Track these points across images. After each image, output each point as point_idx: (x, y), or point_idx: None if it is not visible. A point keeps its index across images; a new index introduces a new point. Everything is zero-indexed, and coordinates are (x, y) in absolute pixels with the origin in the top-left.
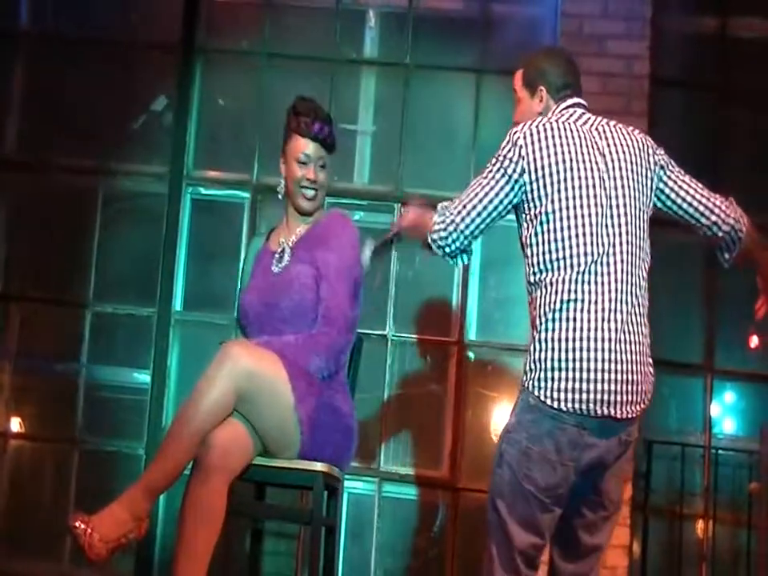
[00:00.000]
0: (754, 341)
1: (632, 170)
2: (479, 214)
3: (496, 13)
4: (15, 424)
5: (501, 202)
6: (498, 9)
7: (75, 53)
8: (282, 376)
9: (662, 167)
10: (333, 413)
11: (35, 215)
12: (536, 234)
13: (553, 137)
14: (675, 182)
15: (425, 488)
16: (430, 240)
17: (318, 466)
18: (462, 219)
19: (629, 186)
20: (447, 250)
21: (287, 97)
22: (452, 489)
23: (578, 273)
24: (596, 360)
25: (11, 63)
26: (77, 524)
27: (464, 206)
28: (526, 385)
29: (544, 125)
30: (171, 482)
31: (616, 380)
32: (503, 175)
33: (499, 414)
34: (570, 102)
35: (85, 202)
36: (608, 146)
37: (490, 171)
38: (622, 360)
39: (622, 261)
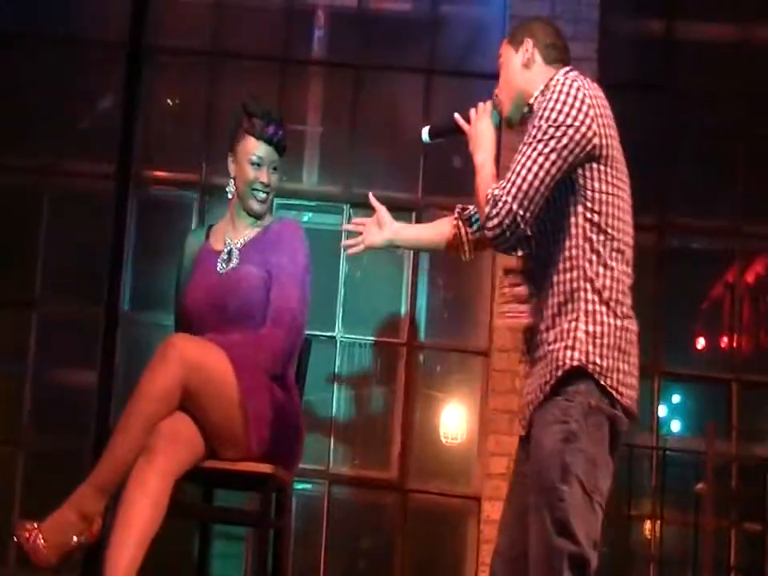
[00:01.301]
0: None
1: None
2: (541, 196)
3: (445, 14)
4: None
5: (564, 174)
6: (446, 10)
7: (20, 49)
8: (228, 370)
9: None
10: (280, 412)
11: None
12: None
13: (605, 105)
14: None
15: (374, 489)
16: (485, 235)
17: (267, 468)
18: (522, 208)
19: None
20: (506, 245)
21: (236, 97)
22: (401, 490)
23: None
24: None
25: None
26: (22, 532)
27: (522, 192)
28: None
29: (593, 85)
30: (121, 477)
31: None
32: (575, 145)
33: (447, 416)
34: (567, 67)
35: (30, 202)
36: None
37: (554, 140)
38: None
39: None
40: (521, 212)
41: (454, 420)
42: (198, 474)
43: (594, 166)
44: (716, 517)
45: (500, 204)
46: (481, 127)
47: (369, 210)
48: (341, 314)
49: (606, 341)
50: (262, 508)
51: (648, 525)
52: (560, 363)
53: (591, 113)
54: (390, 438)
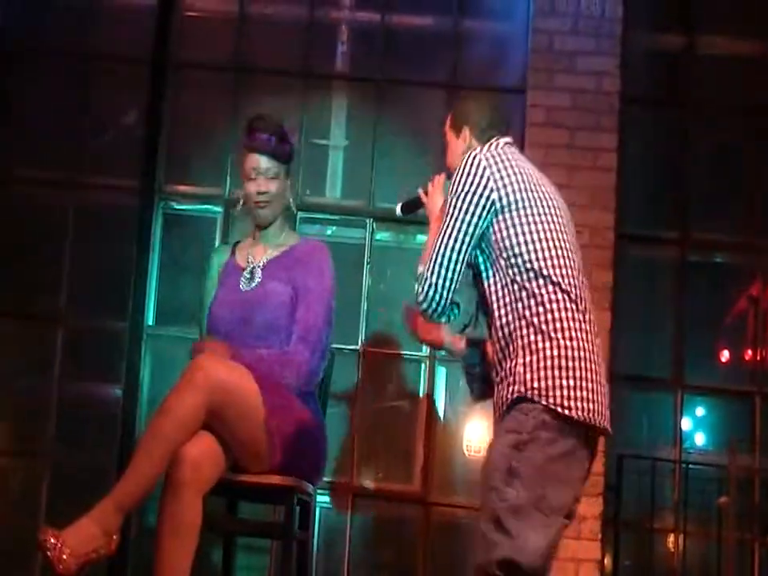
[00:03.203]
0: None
1: (567, 219)
2: (461, 257)
3: (467, 29)
4: None
5: (474, 238)
6: (469, 25)
7: (47, 66)
8: (253, 390)
9: None
10: (304, 427)
11: (5, 229)
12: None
13: (509, 159)
14: None
15: (397, 502)
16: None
17: (290, 481)
18: (441, 275)
19: (572, 234)
20: (436, 317)
21: (258, 111)
22: (424, 503)
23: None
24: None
25: None
26: (46, 539)
27: (437, 264)
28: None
29: (498, 151)
30: (143, 497)
31: (605, 393)
32: (476, 206)
33: (470, 429)
34: (505, 139)
35: (56, 216)
36: (552, 188)
37: (460, 211)
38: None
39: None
40: (440, 283)
41: (476, 433)
42: (223, 487)
43: (502, 216)
44: (738, 530)
45: (423, 282)
46: (434, 200)
47: (392, 223)
48: (363, 327)
49: (542, 364)
50: (285, 521)
51: (671, 538)
52: (504, 400)
53: (486, 173)
54: (413, 451)
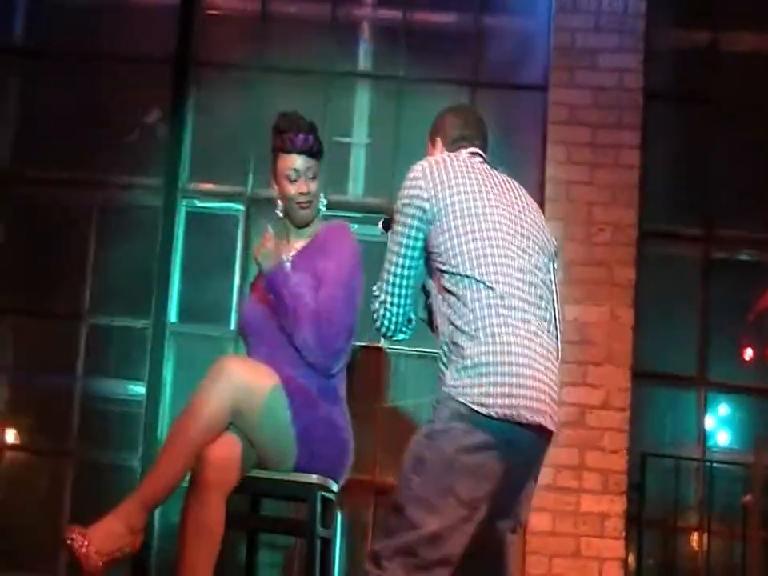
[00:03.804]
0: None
1: (534, 223)
2: (406, 272)
3: (489, 26)
4: (10, 436)
5: (415, 250)
6: (490, 22)
7: (69, 67)
8: (279, 391)
9: (552, 257)
10: (329, 426)
11: (30, 228)
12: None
13: (453, 165)
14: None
15: None
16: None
17: (314, 478)
18: (390, 291)
19: (536, 238)
20: (391, 334)
21: (281, 109)
22: None
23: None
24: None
25: (5, 78)
26: (72, 536)
27: (385, 281)
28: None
29: (443, 157)
30: (166, 496)
31: (542, 390)
32: (411, 218)
33: None
34: (471, 149)
35: (80, 215)
36: (515, 196)
37: (398, 225)
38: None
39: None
40: (390, 300)
41: None
42: (247, 485)
43: (434, 225)
44: (763, 529)
45: (374, 301)
46: None
47: None
48: None
49: (460, 364)
50: (308, 518)
51: (695, 537)
52: (433, 401)
53: (420, 183)
54: None
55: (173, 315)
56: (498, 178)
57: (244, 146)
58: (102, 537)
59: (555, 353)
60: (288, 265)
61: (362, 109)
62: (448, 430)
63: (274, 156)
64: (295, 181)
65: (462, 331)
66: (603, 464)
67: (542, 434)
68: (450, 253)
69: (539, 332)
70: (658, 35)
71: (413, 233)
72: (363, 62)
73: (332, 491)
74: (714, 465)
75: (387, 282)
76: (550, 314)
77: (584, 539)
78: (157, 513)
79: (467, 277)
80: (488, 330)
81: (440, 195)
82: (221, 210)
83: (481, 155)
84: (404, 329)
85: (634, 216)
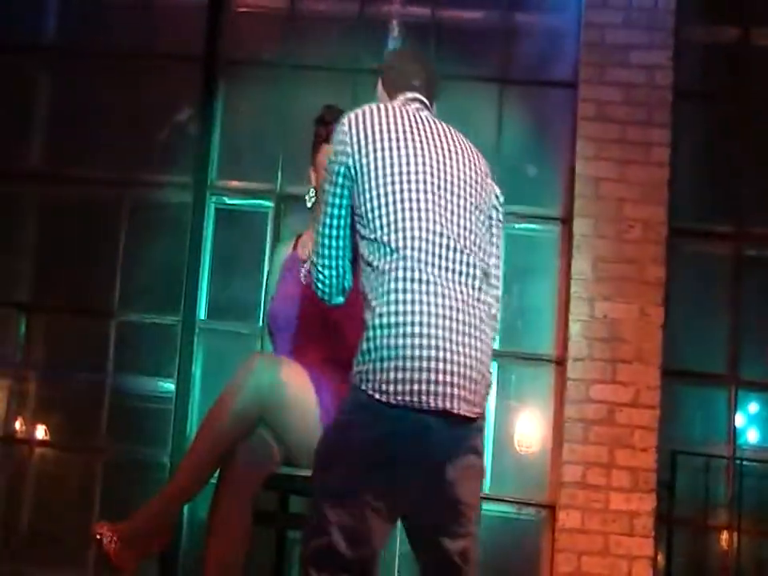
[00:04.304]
0: None
1: (471, 174)
2: (336, 232)
3: (518, 23)
4: (41, 432)
5: (343, 209)
6: (520, 19)
7: (100, 65)
8: (308, 387)
9: (496, 209)
10: None
11: (61, 226)
12: (369, 210)
13: (380, 117)
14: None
15: None
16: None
17: None
18: (322, 253)
19: (468, 182)
20: (331, 299)
21: (310, 107)
22: None
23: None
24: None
25: (37, 76)
26: (101, 532)
27: (316, 242)
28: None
29: (371, 107)
30: (195, 493)
31: (452, 372)
32: (336, 175)
33: (521, 425)
34: (409, 95)
35: (110, 213)
36: (450, 149)
37: (326, 182)
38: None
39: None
40: (323, 263)
41: (528, 428)
42: (275, 482)
43: (356, 184)
44: None
45: (311, 266)
46: None
47: None
48: None
49: (364, 346)
50: None
51: (724, 536)
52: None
53: (345, 138)
54: None
55: (202, 312)
56: (432, 129)
57: (273, 143)
58: (131, 533)
59: (485, 325)
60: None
61: None
62: (352, 421)
63: (315, 146)
64: None
65: (371, 309)
66: (633, 462)
67: (456, 420)
68: (369, 216)
69: (461, 305)
70: (688, 31)
71: (338, 190)
72: None
73: None
74: (745, 463)
75: (317, 243)
76: (481, 279)
77: (613, 537)
78: (186, 509)
79: (383, 245)
80: (396, 306)
81: (363, 151)
82: (250, 207)
83: (421, 100)
84: (342, 293)
85: (664, 213)
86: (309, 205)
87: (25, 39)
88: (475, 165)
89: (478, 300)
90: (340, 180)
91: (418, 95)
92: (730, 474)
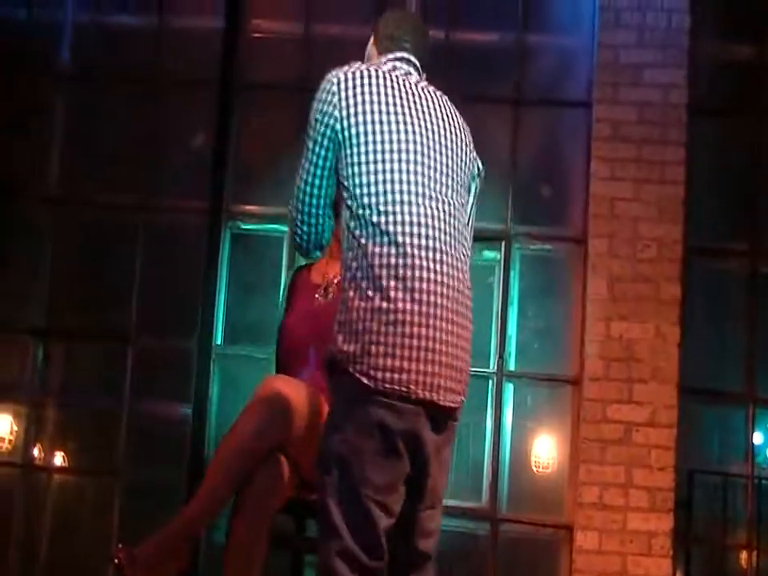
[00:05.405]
0: None
1: (455, 146)
2: (315, 191)
3: (532, 43)
4: (59, 458)
5: (326, 169)
6: (533, 39)
7: (115, 90)
8: (323, 410)
9: (474, 179)
10: None
11: (77, 250)
12: (354, 186)
13: (370, 82)
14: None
15: (465, 519)
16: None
17: None
18: (299, 209)
19: (451, 156)
20: (309, 252)
21: None
22: (492, 519)
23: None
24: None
25: (53, 101)
26: (119, 556)
27: (295, 197)
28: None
29: (360, 70)
30: (213, 517)
31: (440, 362)
32: (321, 136)
33: (538, 445)
34: (397, 54)
35: (126, 238)
36: (433, 110)
37: (308, 139)
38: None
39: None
40: (299, 216)
41: (544, 449)
42: (291, 506)
43: (344, 151)
44: None
45: (289, 217)
46: None
47: None
48: None
49: (353, 327)
50: None
51: (743, 555)
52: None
53: (333, 99)
54: (481, 467)
55: (218, 337)
56: (419, 98)
57: (288, 167)
58: (149, 557)
59: (466, 299)
60: (334, 284)
61: None
62: (346, 418)
63: None
64: None
65: (357, 287)
66: (650, 482)
67: (441, 407)
68: (357, 191)
69: (451, 291)
70: (703, 50)
71: (322, 151)
72: None
73: None
74: (763, 481)
75: (297, 198)
76: (464, 254)
77: (631, 557)
78: (204, 533)
79: (372, 224)
80: (386, 292)
81: (352, 120)
82: (265, 231)
83: (410, 60)
84: (321, 249)
85: (680, 232)
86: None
87: (41, 64)
88: (458, 136)
89: (463, 272)
90: (325, 142)
91: (406, 55)
92: (749, 493)
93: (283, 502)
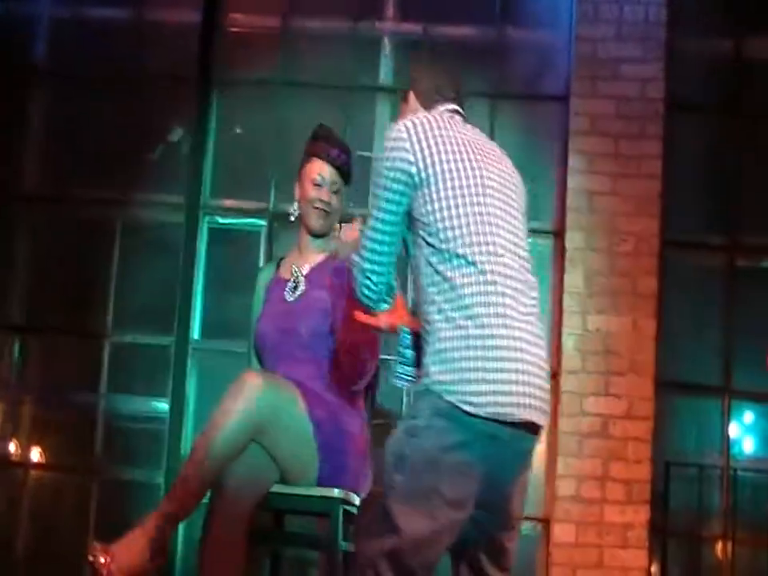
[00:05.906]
0: None
1: (519, 197)
2: (390, 238)
3: (510, 38)
4: (35, 454)
5: (398, 215)
6: (512, 34)
7: (92, 86)
8: (300, 405)
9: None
10: (350, 439)
11: (55, 247)
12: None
13: (438, 127)
14: None
15: None
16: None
17: (336, 493)
18: (373, 260)
19: (518, 205)
20: (374, 303)
21: (303, 125)
22: None
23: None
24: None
25: (30, 98)
26: (95, 553)
27: (366, 248)
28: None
29: (426, 117)
30: (189, 513)
31: (531, 383)
32: (394, 182)
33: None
34: (448, 106)
35: (103, 233)
36: (496, 157)
37: (380, 189)
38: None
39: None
40: (370, 267)
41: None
42: (270, 501)
43: (420, 191)
44: None
45: (356, 269)
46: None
47: None
48: None
49: (447, 355)
50: (331, 532)
51: (719, 546)
52: (414, 390)
53: (405, 145)
54: None
55: (196, 332)
56: (479, 139)
57: (266, 161)
58: (125, 554)
59: (539, 320)
60: (302, 279)
61: (383, 122)
62: (430, 426)
63: (304, 160)
64: (319, 186)
65: (448, 318)
66: (627, 474)
67: (530, 429)
68: (439, 226)
69: (529, 315)
70: (680, 44)
71: (396, 197)
72: (384, 75)
73: (354, 505)
74: (739, 473)
75: (366, 248)
76: (531, 279)
77: (608, 550)
78: (181, 528)
79: (457, 256)
80: (478, 320)
81: (428, 160)
82: (243, 226)
83: (459, 112)
84: (386, 298)
85: (657, 226)
86: (291, 218)
87: (17, 61)
88: (513, 173)
89: (536, 308)
90: (401, 188)
91: (455, 106)
92: (724, 485)
93: (261, 495)
